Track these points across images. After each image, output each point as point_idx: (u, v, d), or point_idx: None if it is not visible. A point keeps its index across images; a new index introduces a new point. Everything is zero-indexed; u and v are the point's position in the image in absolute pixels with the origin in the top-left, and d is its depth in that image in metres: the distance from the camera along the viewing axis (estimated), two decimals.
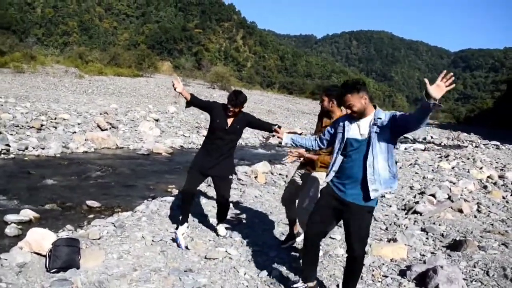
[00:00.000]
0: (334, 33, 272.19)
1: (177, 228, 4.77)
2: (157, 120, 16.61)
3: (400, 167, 11.14)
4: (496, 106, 63.96)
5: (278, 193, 7.35)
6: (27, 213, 5.62)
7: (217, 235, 5.02)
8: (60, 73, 33.70)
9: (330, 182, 3.32)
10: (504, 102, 58.65)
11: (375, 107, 3.16)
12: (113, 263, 4.01)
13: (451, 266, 3.94)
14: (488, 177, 9.72)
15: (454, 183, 8.64)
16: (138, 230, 4.89)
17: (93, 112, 15.38)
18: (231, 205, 5.77)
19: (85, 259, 3.98)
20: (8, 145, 9.77)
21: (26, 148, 9.96)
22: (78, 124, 13.43)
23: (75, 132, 12.53)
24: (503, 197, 7.85)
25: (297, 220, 4.62)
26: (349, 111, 3.19)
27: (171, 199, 6.46)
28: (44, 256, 3.96)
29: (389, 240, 5.08)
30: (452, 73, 2.66)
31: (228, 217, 5.32)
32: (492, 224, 6.04)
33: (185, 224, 4.72)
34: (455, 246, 4.78)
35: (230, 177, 4.89)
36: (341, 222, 3.36)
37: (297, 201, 4.66)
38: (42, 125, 12.42)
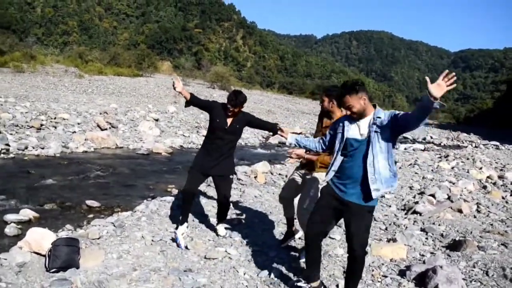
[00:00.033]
0: (334, 33, 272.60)
1: (176, 228, 4.77)
2: (156, 120, 16.61)
3: (400, 167, 11.14)
4: (495, 107, 63.99)
5: (278, 193, 7.32)
6: (26, 213, 5.61)
7: (217, 235, 5.02)
8: (60, 72, 33.70)
9: (330, 182, 3.32)
10: (504, 102, 58.68)
11: (374, 106, 3.16)
12: (113, 263, 4.01)
13: (450, 266, 3.94)
14: (488, 177, 9.73)
15: (453, 183, 8.64)
16: (137, 230, 4.89)
17: (92, 111, 15.38)
18: (231, 205, 5.76)
19: (84, 258, 3.98)
20: (7, 144, 9.77)
21: (26, 148, 9.96)
22: (78, 123, 13.43)
23: (74, 131, 12.53)
24: (503, 197, 7.85)
25: (296, 219, 4.62)
26: (348, 112, 3.19)
27: (170, 199, 6.47)
28: (44, 255, 3.96)
29: (388, 240, 5.08)
30: (454, 73, 2.66)
31: (228, 217, 5.32)
32: (491, 224, 6.05)
33: (185, 224, 4.72)
34: (455, 246, 4.79)
35: (231, 176, 4.89)
36: (341, 221, 3.36)
37: (295, 200, 4.67)
38: (41, 125, 12.42)
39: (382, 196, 7.18)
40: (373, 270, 4.11)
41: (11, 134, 10.86)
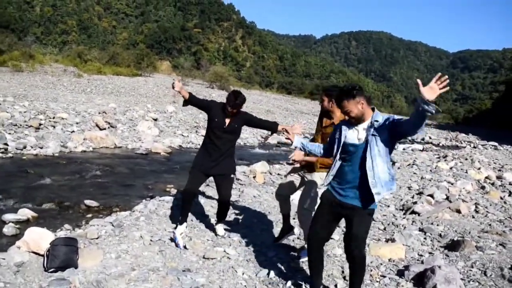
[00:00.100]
0: (333, 33, 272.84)
1: (175, 228, 4.77)
2: (155, 120, 16.61)
3: (399, 168, 11.16)
4: (494, 107, 64.09)
5: None
6: (25, 213, 5.61)
7: (216, 234, 5.02)
8: (59, 72, 33.65)
9: (329, 187, 3.33)
10: (502, 103, 58.75)
11: (373, 110, 3.16)
12: (111, 263, 4.01)
13: (449, 266, 3.94)
14: (486, 177, 9.74)
15: (452, 184, 8.65)
16: (136, 230, 4.89)
17: (91, 111, 15.38)
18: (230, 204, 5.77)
19: (83, 258, 3.98)
20: (6, 144, 9.75)
21: (24, 147, 9.95)
22: (77, 123, 13.42)
23: (73, 131, 12.52)
24: (501, 198, 7.86)
25: (293, 218, 4.62)
26: (347, 117, 3.19)
27: (169, 198, 6.47)
28: (42, 255, 3.96)
29: (387, 240, 5.09)
30: (446, 76, 2.65)
31: (227, 217, 5.32)
32: (489, 225, 6.05)
33: (184, 224, 4.72)
34: (453, 246, 4.79)
35: (232, 176, 4.88)
36: (341, 222, 3.37)
37: (291, 198, 4.68)
38: (40, 124, 12.40)
39: None
40: (371, 270, 4.12)
41: (9, 133, 10.84)
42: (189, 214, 5.19)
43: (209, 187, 7.04)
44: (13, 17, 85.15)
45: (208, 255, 4.36)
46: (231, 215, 5.83)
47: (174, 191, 7.62)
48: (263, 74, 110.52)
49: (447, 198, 7.28)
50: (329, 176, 3.31)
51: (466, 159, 13.27)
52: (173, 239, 4.66)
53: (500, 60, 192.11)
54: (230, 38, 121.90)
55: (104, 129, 13.49)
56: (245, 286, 3.80)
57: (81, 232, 4.84)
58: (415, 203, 6.86)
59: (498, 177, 9.83)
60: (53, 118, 13.38)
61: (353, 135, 3.16)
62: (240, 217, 5.87)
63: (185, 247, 4.55)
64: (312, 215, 4.00)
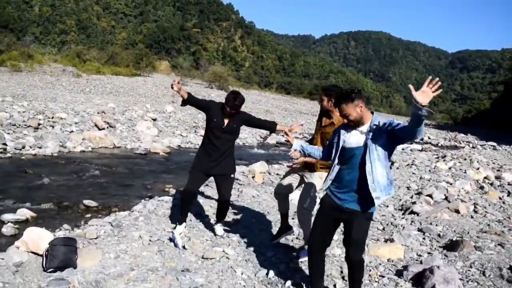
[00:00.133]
0: (332, 33, 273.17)
1: (174, 228, 4.77)
2: (154, 120, 16.61)
3: (398, 168, 11.17)
4: (493, 107, 64.06)
5: None
6: (23, 212, 5.61)
7: (215, 234, 5.02)
8: (58, 72, 33.60)
9: (328, 191, 3.32)
10: (501, 103, 58.71)
11: (372, 113, 3.16)
12: (110, 263, 4.01)
13: (447, 266, 3.95)
14: (485, 177, 9.75)
15: (451, 184, 8.66)
16: (135, 230, 4.89)
17: (90, 111, 15.37)
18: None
19: (82, 258, 3.98)
20: (5, 144, 9.75)
21: (23, 147, 9.94)
22: (76, 123, 13.41)
23: (72, 131, 12.50)
24: (500, 198, 7.87)
25: (292, 218, 4.62)
26: (345, 120, 3.20)
27: (168, 198, 6.47)
28: (41, 255, 3.95)
29: (386, 240, 5.10)
30: (438, 78, 2.66)
31: (226, 217, 5.32)
32: (488, 225, 6.06)
33: (183, 224, 4.72)
34: (452, 246, 4.80)
35: (232, 175, 4.88)
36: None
37: (291, 198, 4.67)
38: (39, 124, 12.39)
39: None
40: (370, 270, 4.12)
41: (8, 133, 10.83)
42: (188, 214, 5.19)
43: (208, 187, 7.04)
44: (12, 17, 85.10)
45: (207, 255, 4.36)
46: (230, 215, 5.82)
47: (173, 191, 7.62)
48: (262, 74, 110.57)
49: (446, 198, 7.29)
50: (328, 180, 3.31)
51: (465, 159, 13.29)
52: (172, 239, 4.65)
53: (499, 60, 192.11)
54: (229, 38, 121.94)
55: (103, 129, 13.48)
56: (244, 286, 3.80)
57: (80, 232, 4.83)
58: (414, 203, 6.87)
59: (497, 177, 9.84)
60: (52, 118, 13.36)
61: (352, 139, 3.15)
62: (239, 217, 5.87)
63: (184, 247, 4.55)
64: (312, 214, 4.01)
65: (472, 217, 6.50)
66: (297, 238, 5.10)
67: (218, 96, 32.55)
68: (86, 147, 11.27)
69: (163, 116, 18.28)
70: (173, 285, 3.68)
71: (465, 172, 10.30)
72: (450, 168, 11.19)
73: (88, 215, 5.99)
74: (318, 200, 3.88)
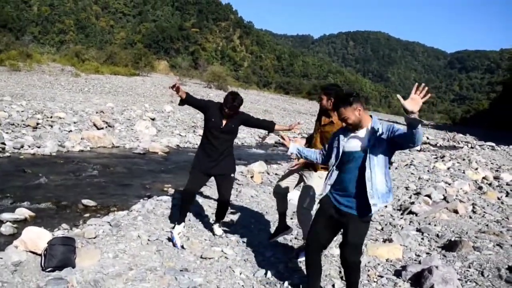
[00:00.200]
0: (331, 33, 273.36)
1: (173, 228, 4.77)
2: (153, 119, 16.60)
3: (396, 168, 11.18)
4: (491, 108, 64.17)
5: None
6: (22, 212, 5.60)
7: (213, 234, 5.02)
8: (56, 71, 33.56)
9: (328, 192, 3.32)
10: (500, 103, 58.79)
11: (371, 116, 3.16)
12: (109, 262, 4.01)
13: (446, 266, 3.95)
14: (483, 178, 9.77)
15: (449, 184, 8.67)
16: (134, 229, 4.88)
17: (89, 110, 15.36)
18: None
19: (80, 258, 3.97)
20: (3, 143, 9.73)
21: (22, 147, 9.92)
22: (74, 122, 13.40)
23: (71, 130, 12.50)
24: (498, 198, 7.88)
25: (291, 218, 4.62)
26: (344, 124, 3.20)
27: (167, 198, 6.46)
28: (40, 255, 3.95)
29: (384, 241, 5.10)
30: (423, 84, 2.67)
31: (225, 217, 5.32)
32: (487, 225, 6.07)
33: (182, 224, 4.72)
34: (450, 246, 4.80)
35: (232, 175, 4.88)
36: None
37: (289, 198, 4.67)
38: (38, 124, 12.38)
39: None
40: (369, 270, 4.12)
41: (7, 132, 10.82)
42: (187, 214, 5.19)
43: (207, 187, 7.04)
44: (11, 16, 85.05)
45: (206, 255, 4.36)
46: (228, 215, 5.82)
47: (171, 190, 7.61)
48: (260, 74, 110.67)
49: (445, 198, 7.30)
50: (327, 186, 3.31)
51: (464, 159, 13.31)
52: (170, 239, 4.65)
53: (497, 60, 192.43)
54: (228, 38, 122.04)
55: (102, 128, 13.47)
56: (242, 286, 3.80)
57: (78, 232, 4.83)
58: (412, 203, 6.87)
59: (496, 178, 9.85)
60: (51, 117, 13.35)
61: (351, 143, 3.15)
62: (238, 217, 5.87)
63: (182, 246, 4.55)
64: (311, 214, 4.01)
65: (470, 217, 6.51)
66: (295, 238, 5.10)
67: (217, 96, 32.55)
68: (85, 146, 11.25)
69: (162, 115, 18.27)
70: (172, 285, 3.68)
71: (463, 172, 10.31)
72: (448, 168, 11.21)
73: (87, 215, 5.98)
74: (317, 200, 3.88)
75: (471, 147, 22.16)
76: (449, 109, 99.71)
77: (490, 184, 9.13)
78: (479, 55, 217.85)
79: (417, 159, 12.75)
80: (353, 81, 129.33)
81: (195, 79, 54.55)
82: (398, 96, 2.70)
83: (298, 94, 73.52)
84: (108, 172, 8.96)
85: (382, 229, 5.71)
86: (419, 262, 4.29)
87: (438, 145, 24.60)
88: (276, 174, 9.19)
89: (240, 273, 4.02)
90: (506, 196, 8.10)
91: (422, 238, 5.23)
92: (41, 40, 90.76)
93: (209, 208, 6.07)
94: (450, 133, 33.45)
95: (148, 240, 4.65)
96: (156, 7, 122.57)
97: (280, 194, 4.59)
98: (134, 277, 3.73)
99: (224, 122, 4.60)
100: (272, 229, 5.43)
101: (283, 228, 4.78)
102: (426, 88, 2.64)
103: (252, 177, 8.60)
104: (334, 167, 3.26)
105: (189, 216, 5.48)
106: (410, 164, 11.70)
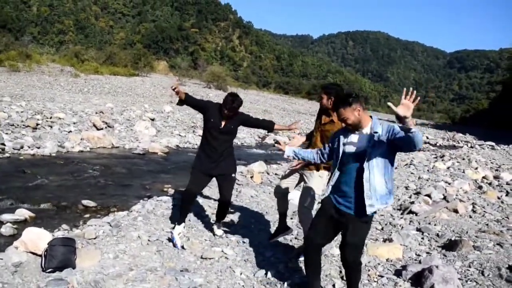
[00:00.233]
0: (330, 33, 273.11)
1: (173, 228, 4.77)
2: (153, 120, 16.59)
3: (396, 167, 11.17)
4: (491, 107, 64.15)
5: None
6: (22, 213, 5.59)
7: (213, 234, 5.02)
8: (56, 72, 33.52)
9: (329, 193, 3.32)
10: (499, 103, 58.78)
11: (371, 117, 3.16)
12: (109, 263, 4.01)
13: (446, 266, 3.96)
14: (483, 177, 9.77)
15: (449, 183, 8.67)
16: (134, 230, 4.88)
17: (88, 111, 15.34)
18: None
19: (81, 258, 3.97)
20: (3, 144, 9.72)
21: (22, 147, 9.92)
22: (74, 123, 13.39)
23: (70, 131, 12.49)
24: (498, 197, 7.88)
25: (291, 218, 4.62)
26: (344, 124, 3.20)
27: (167, 198, 6.46)
28: (40, 255, 3.95)
29: (384, 240, 5.10)
30: (411, 88, 2.69)
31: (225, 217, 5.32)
32: (487, 224, 6.07)
33: (182, 224, 4.72)
34: (451, 246, 4.80)
35: (233, 175, 4.88)
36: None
37: (290, 198, 4.67)
38: (37, 124, 12.37)
39: None
40: (369, 270, 4.12)
41: (6, 133, 10.81)
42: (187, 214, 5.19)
43: (207, 187, 7.00)
44: (10, 17, 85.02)
45: (206, 255, 4.36)
46: (228, 215, 5.82)
47: (171, 191, 7.61)
48: (260, 74, 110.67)
49: (445, 198, 7.30)
50: (329, 187, 3.31)
51: (463, 159, 13.31)
52: (171, 239, 4.65)
53: (497, 60, 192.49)
54: (227, 38, 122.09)
55: (101, 129, 13.46)
56: (243, 286, 3.80)
57: (78, 232, 4.83)
58: (412, 203, 6.87)
59: (495, 177, 9.86)
60: (50, 118, 13.34)
61: (351, 145, 3.16)
62: (238, 217, 5.87)
63: (183, 247, 4.55)
64: (312, 213, 4.01)
65: (470, 216, 6.51)
66: (296, 238, 5.10)
67: (216, 96, 32.52)
68: (85, 147, 11.25)
69: (162, 116, 18.27)
70: (172, 285, 3.68)
71: (463, 172, 10.31)
72: (448, 168, 11.21)
73: (87, 215, 5.98)
74: (318, 199, 3.88)
75: (471, 147, 22.17)
76: (448, 108, 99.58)
77: (490, 184, 9.14)
78: (479, 55, 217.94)
79: (417, 159, 12.76)
80: (352, 81, 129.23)
81: (194, 79, 54.49)
82: (390, 103, 2.71)
83: (297, 94, 73.48)
84: (108, 173, 8.95)
85: (382, 228, 5.71)
86: (419, 262, 4.29)
87: (437, 144, 24.61)
88: (275, 174, 9.19)
89: (241, 273, 4.02)
90: (506, 195, 8.10)
91: (422, 238, 5.23)
92: (41, 40, 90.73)
93: (209, 208, 6.07)
94: (450, 133, 33.46)
95: (148, 240, 4.64)
96: (156, 7, 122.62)
97: (281, 194, 4.59)
98: (135, 277, 3.73)
99: (223, 122, 4.60)
100: (272, 229, 5.43)
101: (283, 228, 4.77)
102: (415, 92, 2.66)
103: (252, 177, 8.60)
104: (336, 169, 3.26)
105: (189, 216, 5.47)
106: (410, 164, 11.70)
